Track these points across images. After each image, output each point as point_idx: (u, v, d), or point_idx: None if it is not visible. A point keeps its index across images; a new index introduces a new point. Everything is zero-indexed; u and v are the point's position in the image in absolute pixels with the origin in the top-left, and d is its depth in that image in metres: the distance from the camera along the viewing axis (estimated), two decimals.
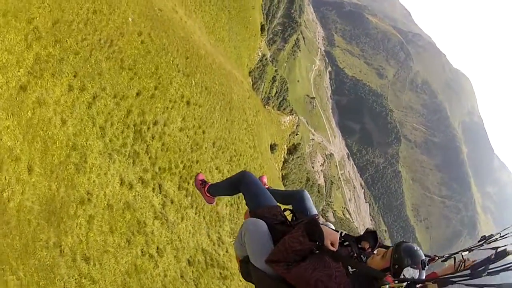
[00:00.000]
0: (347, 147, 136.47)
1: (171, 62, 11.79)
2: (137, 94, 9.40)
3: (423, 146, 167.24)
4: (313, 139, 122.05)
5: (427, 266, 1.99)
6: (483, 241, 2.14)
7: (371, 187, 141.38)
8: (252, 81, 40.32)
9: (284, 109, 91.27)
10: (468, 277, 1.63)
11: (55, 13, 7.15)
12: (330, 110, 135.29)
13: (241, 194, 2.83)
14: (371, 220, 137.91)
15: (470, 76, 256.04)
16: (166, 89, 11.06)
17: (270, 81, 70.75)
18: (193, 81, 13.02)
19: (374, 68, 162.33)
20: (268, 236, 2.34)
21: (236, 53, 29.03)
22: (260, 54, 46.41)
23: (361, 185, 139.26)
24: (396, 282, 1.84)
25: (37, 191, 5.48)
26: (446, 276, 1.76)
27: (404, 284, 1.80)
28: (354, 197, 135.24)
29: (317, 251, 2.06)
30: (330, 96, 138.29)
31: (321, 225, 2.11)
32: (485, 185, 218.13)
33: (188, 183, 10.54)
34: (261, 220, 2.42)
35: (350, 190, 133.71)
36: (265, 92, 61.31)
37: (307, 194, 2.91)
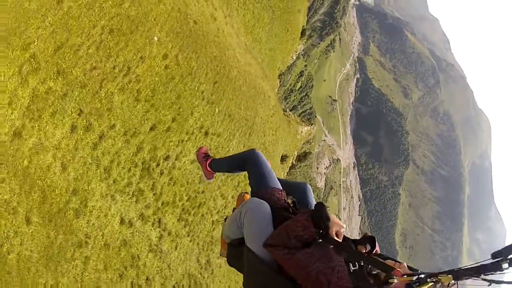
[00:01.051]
0: (355, 156, 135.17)
1: (196, 89, 10.32)
2: (151, 128, 8.23)
3: (429, 175, 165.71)
4: (324, 140, 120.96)
5: None
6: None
7: (368, 202, 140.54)
8: (280, 83, 39.29)
9: (304, 116, 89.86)
10: (489, 270, 1.47)
11: (59, 35, 5.75)
12: (349, 116, 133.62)
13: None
14: (359, 233, 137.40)
15: (491, 119, 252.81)
16: (185, 120, 9.70)
17: (297, 74, 69.48)
18: (216, 109, 11.54)
19: (401, 87, 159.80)
20: (270, 219, 2.17)
21: (270, 55, 27.62)
22: (294, 57, 45.24)
23: (359, 197, 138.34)
24: (405, 276, 1.69)
25: (36, 240, 5.47)
26: (463, 267, 1.57)
27: (414, 278, 1.65)
28: (349, 207, 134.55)
29: (320, 240, 1.89)
30: (352, 103, 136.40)
31: (328, 212, 1.95)
32: (477, 231, 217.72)
33: (189, 214, 10.01)
34: (264, 202, 2.24)
35: (347, 199, 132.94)
36: (290, 84, 60.10)
37: (310, 187, 2.78)
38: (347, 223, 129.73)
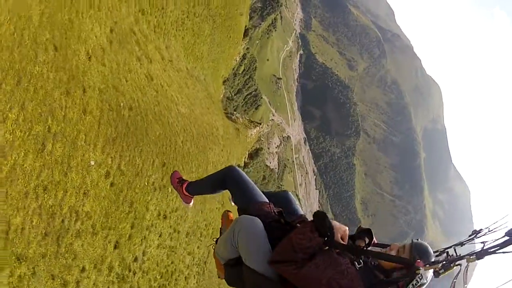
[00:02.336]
0: (305, 132, 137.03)
1: (146, 184, 9.90)
2: (115, 247, 8.13)
3: (381, 143, 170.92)
4: (272, 119, 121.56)
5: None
6: (474, 236, 2.08)
7: (323, 175, 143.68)
8: (225, 89, 38.69)
9: (250, 98, 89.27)
10: (506, 245, 1.59)
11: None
12: (294, 93, 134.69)
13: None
14: (319, 206, 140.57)
15: (442, 85, 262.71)
16: (143, 218, 9.47)
17: (240, 58, 68.82)
18: (169, 189, 11.00)
19: (346, 59, 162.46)
20: (265, 235, 2.18)
21: (213, 67, 26.78)
22: (238, 60, 44.40)
23: (313, 171, 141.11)
24: (428, 265, 1.83)
25: None
26: (484, 248, 1.68)
27: (440, 265, 1.79)
28: (305, 183, 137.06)
29: (326, 247, 1.98)
30: (297, 79, 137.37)
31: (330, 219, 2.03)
32: (438, 192, 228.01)
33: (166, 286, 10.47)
34: (256, 218, 2.25)
35: (302, 175, 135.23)
36: (233, 69, 59.44)
37: (291, 195, 2.83)
38: (305, 198, 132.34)
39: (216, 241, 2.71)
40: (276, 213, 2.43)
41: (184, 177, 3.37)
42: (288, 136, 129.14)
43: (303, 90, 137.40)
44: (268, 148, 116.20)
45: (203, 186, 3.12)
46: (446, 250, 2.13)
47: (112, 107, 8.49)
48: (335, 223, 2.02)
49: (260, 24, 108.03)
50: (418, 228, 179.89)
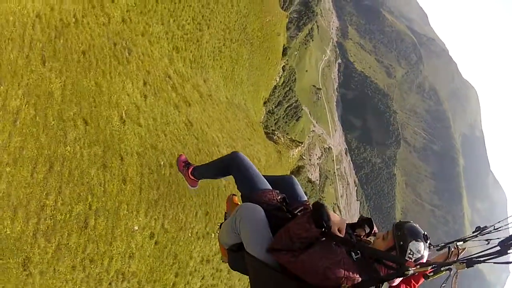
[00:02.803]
0: (346, 142, 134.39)
1: (190, 235, 9.69)
2: None
3: (421, 152, 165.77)
4: (313, 130, 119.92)
5: (429, 239, 2.01)
6: (477, 232, 2.09)
7: (364, 186, 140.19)
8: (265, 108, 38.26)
9: (290, 109, 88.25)
10: (497, 255, 1.58)
11: None
12: (334, 103, 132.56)
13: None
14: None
15: (478, 89, 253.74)
16: (186, 266, 9.29)
17: (279, 70, 68.34)
18: (212, 235, 10.92)
19: (384, 66, 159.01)
20: (266, 223, 2.21)
21: (253, 90, 26.47)
22: (278, 79, 43.82)
23: (354, 182, 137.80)
24: (419, 266, 1.81)
25: None
26: (475, 254, 1.68)
27: (429, 267, 1.78)
28: (346, 194, 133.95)
29: (323, 238, 1.99)
30: (336, 89, 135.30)
31: (328, 210, 2.01)
32: (476, 201, 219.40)
33: None
34: (258, 206, 2.28)
35: (343, 186, 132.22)
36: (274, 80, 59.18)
37: (295, 179, 2.78)
38: (346, 209, 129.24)
39: (220, 226, 2.68)
40: (279, 201, 2.41)
41: (189, 161, 3.34)
42: (329, 147, 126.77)
43: (343, 99, 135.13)
44: (310, 160, 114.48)
45: (208, 170, 3.10)
46: (448, 245, 2.10)
47: (152, 169, 8.07)
48: (333, 215, 2.00)
49: (297, 34, 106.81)
50: (456, 238, 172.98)
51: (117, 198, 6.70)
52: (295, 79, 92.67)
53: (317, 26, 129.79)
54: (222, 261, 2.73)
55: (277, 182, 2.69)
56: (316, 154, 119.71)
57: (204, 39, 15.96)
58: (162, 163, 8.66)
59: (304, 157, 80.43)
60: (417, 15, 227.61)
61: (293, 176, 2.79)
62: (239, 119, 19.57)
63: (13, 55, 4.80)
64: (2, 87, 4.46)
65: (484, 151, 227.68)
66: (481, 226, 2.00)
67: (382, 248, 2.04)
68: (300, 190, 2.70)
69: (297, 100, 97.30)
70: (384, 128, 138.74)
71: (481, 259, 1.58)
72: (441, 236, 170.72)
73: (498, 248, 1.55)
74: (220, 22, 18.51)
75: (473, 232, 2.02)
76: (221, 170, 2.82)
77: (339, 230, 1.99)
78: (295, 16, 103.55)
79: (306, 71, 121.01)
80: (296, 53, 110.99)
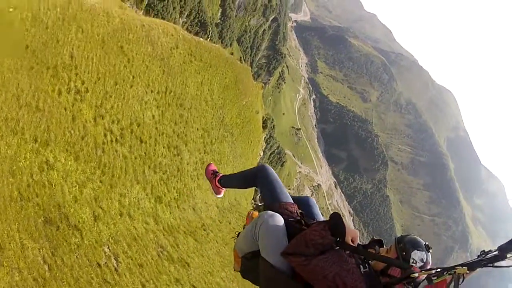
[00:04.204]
0: (334, 176, 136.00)
1: None
2: None
3: (410, 166, 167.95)
4: (300, 171, 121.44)
5: (431, 249, 2.12)
6: (482, 256, 1.98)
7: (360, 214, 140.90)
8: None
9: (273, 156, 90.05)
10: (497, 259, 1.71)
11: None
12: (316, 140, 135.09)
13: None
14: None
15: (454, 91, 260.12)
16: None
17: (263, 144, 70.39)
18: None
19: (358, 92, 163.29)
20: (285, 231, 2.30)
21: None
22: (262, 153, 45.54)
23: (349, 212, 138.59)
24: (424, 271, 1.94)
25: None
26: (475, 259, 1.82)
27: (433, 271, 1.89)
28: None
29: (337, 247, 2.09)
30: (315, 125, 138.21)
31: (343, 221, 2.12)
32: (474, 198, 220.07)
33: None
34: (279, 214, 2.37)
35: None
36: (258, 155, 60.68)
37: (314, 200, 2.93)
38: None
39: (238, 235, 2.83)
40: (299, 214, 2.58)
41: (217, 170, 3.55)
42: (318, 184, 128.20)
43: (324, 134, 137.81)
44: None
45: (235, 180, 3.27)
46: (448, 271, 2.01)
47: None
48: (348, 226, 2.14)
49: (269, 80, 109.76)
50: (462, 239, 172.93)
51: None
52: (273, 126, 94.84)
53: (287, 67, 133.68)
54: (234, 270, 2.83)
55: (297, 201, 2.82)
56: (306, 194, 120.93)
57: (184, 161, 15.68)
58: None
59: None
60: (381, 33, 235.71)
61: (311, 197, 2.97)
62: (233, 226, 18.81)
63: None
64: None
65: (471, 149, 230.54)
66: (485, 250, 2.01)
67: (382, 266, 2.14)
68: (318, 211, 2.85)
69: (278, 146, 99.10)
70: (369, 154, 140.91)
71: (483, 263, 1.73)
72: (448, 242, 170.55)
73: (497, 252, 1.71)
74: (197, 129, 18.12)
75: (477, 256, 2.04)
76: (248, 180, 2.98)
77: (352, 241, 2.11)
78: (264, 61, 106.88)
79: (283, 114, 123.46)
80: (270, 98, 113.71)
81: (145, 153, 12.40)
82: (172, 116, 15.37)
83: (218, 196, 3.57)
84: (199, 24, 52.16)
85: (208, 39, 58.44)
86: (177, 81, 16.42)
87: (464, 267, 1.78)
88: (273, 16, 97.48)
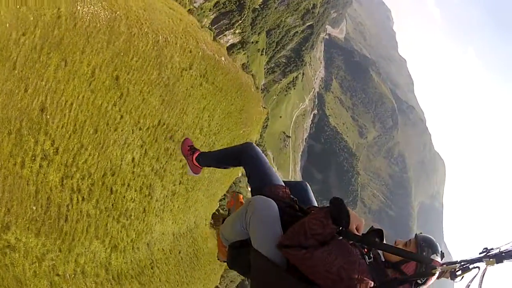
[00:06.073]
0: None
1: None
2: None
3: (376, 214, 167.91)
4: None
5: (444, 257, 2.04)
6: (485, 253, 1.89)
7: None
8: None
9: None
10: None
11: None
12: (300, 153, 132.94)
13: None
14: None
15: (447, 162, 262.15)
16: None
17: None
18: None
19: (358, 126, 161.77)
20: (278, 219, 2.11)
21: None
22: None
23: None
24: (445, 265, 1.84)
25: None
26: (504, 250, 1.67)
27: (458, 265, 1.76)
28: None
29: (340, 237, 1.90)
30: (305, 139, 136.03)
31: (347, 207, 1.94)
32: None
33: None
34: (271, 200, 2.16)
35: None
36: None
37: (308, 185, 2.71)
38: None
39: (223, 221, 2.56)
40: (291, 199, 2.35)
41: (195, 146, 3.18)
42: None
43: (310, 151, 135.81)
44: None
45: (216, 158, 2.96)
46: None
47: None
48: (352, 212, 1.92)
49: (281, 80, 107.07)
50: None
51: None
52: (267, 125, 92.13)
53: (303, 74, 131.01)
54: (218, 259, 2.60)
55: (290, 185, 2.56)
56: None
57: (154, 199, 14.27)
58: None
59: None
60: (403, 81, 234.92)
61: (306, 182, 2.68)
62: (182, 256, 17.59)
63: None
64: None
65: (440, 223, 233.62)
66: (488, 248, 1.83)
67: (396, 259, 1.96)
68: (312, 196, 2.59)
69: (264, 145, 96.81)
70: (344, 187, 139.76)
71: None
72: None
73: None
74: (180, 160, 15.88)
75: (479, 253, 1.84)
76: (232, 159, 2.68)
77: (357, 229, 1.89)
78: (284, 61, 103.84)
79: (280, 117, 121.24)
80: (275, 97, 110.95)
81: (112, 204, 11.28)
82: (156, 151, 13.57)
83: (195, 174, 3.15)
84: (237, 3, 49.20)
85: (241, 21, 54.61)
86: (175, 112, 14.37)
87: (492, 259, 1.61)
88: (310, 23, 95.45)
